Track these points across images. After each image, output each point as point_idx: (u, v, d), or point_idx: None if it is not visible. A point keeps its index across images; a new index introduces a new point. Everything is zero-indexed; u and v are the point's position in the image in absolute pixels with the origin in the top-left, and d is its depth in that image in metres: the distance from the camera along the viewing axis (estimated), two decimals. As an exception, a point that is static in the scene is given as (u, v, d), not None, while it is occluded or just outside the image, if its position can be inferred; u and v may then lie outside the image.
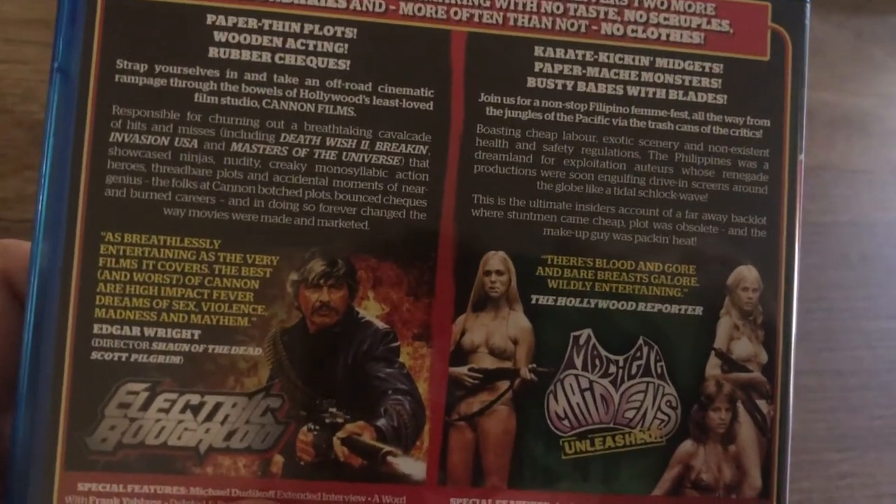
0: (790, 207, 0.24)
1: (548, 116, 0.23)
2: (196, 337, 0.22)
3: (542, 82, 0.23)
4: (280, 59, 0.23)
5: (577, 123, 0.23)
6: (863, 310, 0.35)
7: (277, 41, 0.23)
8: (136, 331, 0.22)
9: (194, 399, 0.22)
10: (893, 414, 0.34)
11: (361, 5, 0.23)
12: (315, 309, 0.22)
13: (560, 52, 0.24)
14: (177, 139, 0.22)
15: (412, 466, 0.22)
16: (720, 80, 0.24)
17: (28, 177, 0.35)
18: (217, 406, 0.22)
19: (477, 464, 0.23)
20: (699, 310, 0.23)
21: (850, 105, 0.36)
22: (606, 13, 0.24)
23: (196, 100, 0.22)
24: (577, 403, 0.23)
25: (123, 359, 0.22)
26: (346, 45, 0.23)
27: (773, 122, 0.24)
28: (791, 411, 0.24)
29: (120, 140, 0.22)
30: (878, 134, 0.36)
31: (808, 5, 0.25)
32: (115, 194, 0.22)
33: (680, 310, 0.23)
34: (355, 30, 0.23)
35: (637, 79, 0.24)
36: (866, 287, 0.35)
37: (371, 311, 0.23)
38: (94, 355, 0.22)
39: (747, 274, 0.24)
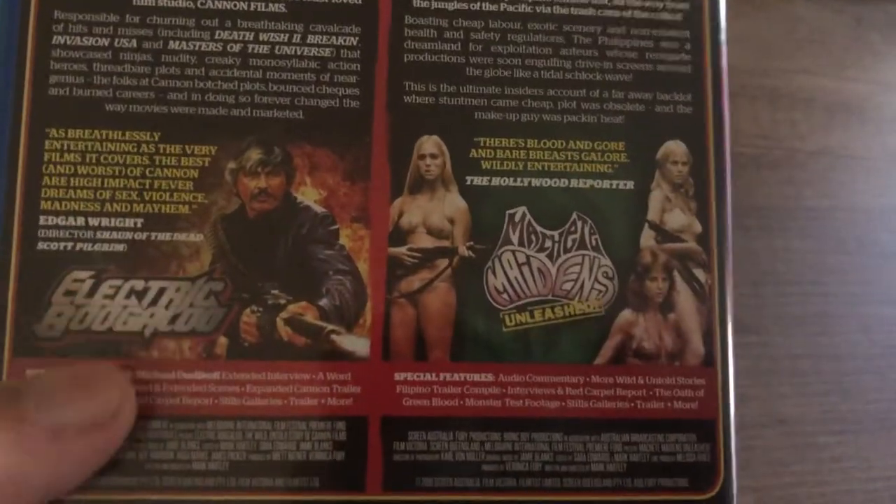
0: (715, 84, 0.25)
1: (474, 6, 0.24)
2: (139, 225, 0.23)
3: (466, -25, 0.24)
4: (213, -38, 0.24)
5: (503, 12, 0.24)
6: (859, 295, 0.35)
7: (210, -54, 0.24)
8: (80, 221, 0.22)
9: (138, 285, 0.22)
10: (888, 398, 0.34)
11: (289, -90, 0.24)
12: (254, 195, 0.23)
13: (482, -53, 0.25)
14: (116, 40, 0.23)
15: (356, 343, 0.23)
16: (639, -31, 0.25)
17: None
18: (161, 291, 0.22)
19: (419, 339, 0.23)
20: (630, 184, 0.24)
21: (848, 91, 0.36)
22: None
23: (134, 2, 0.23)
24: (515, 277, 0.24)
25: (69, 248, 0.22)
26: (276, -52, 0.24)
27: (692, 6, 0.25)
28: (730, 280, 0.24)
29: (62, 42, 0.23)
30: (876, 120, 0.36)
31: None
32: (59, 93, 0.23)
33: (611, 185, 0.24)
34: (284, -66, 0.24)
35: (558, -31, 0.25)
36: (862, 272, 0.35)
37: (309, 196, 0.23)
38: (41, 245, 0.22)
39: (675, 148, 0.24)
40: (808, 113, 0.37)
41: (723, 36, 0.25)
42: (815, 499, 0.33)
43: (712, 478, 0.23)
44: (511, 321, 0.23)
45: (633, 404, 0.23)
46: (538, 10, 0.24)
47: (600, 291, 0.24)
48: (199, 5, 0.24)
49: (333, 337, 0.23)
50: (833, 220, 0.36)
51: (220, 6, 0.24)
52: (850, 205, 0.36)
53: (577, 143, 0.24)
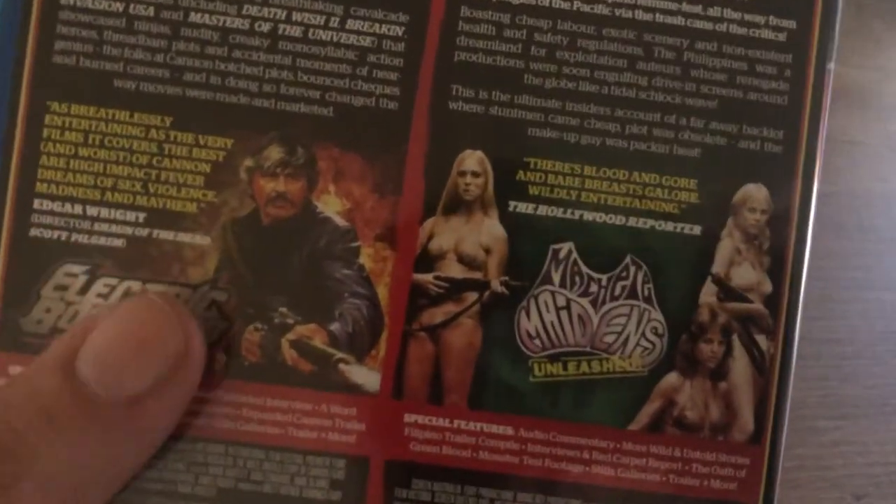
0: (812, 121, 0.21)
1: (542, 1, 0.21)
2: (141, 220, 0.20)
3: (538, -36, 0.21)
4: (248, -77, 0.21)
5: (575, 12, 0.21)
6: (858, 280, 0.35)
7: None
8: (77, 209, 0.20)
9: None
10: (887, 383, 0.34)
11: None
12: (270, 199, 0.21)
13: (561, -69, 0.21)
14: (132, 5, 0.20)
15: (366, 376, 0.21)
16: (743, -27, 0.21)
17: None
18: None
19: (436, 379, 0.21)
20: (697, 229, 0.21)
21: (850, 78, 0.35)
22: None
23: (154, -37, 0.20)
24: (552, 322, 0.21)
25: (63, 238, 0.20)
26: (322, -88, 0.21)
27: (800, 24, 0.21)
28: (795, 350, 0.21)
29: (71, 3, 0.20)
30: (877, 107, 0.36)
31: None
32: (64, 62, 0.20)
33: (676, 228, 0.21)
34: None
35: (647, -34, 0.21)
36: (862, 257, 0.35)
37: (331, 206, 0.21)
38: (33, 231, 0.20)
39: (756, 193, 0.21)
40: None
41: (831, 65, 0.21)
42: (817, 482, 0.33)
43: (743, 569, 0.21)
44: (540, 371, 0.21)
45: (665, 478, 0.21)
46: (617, 14, 0.21)
47: (646, 349, 0.21)
48: (228, -27, 0.20)
49: (342, 366, 0.20)
50: (834, 205, 0.35)
51: (251, -24, 0.20)
52: (851, 190, 0.35)
53: (643, 175, 0.21)
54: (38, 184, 0.20)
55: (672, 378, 0.21)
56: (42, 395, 0.17)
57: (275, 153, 0.21)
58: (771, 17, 0.21)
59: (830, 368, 0.34)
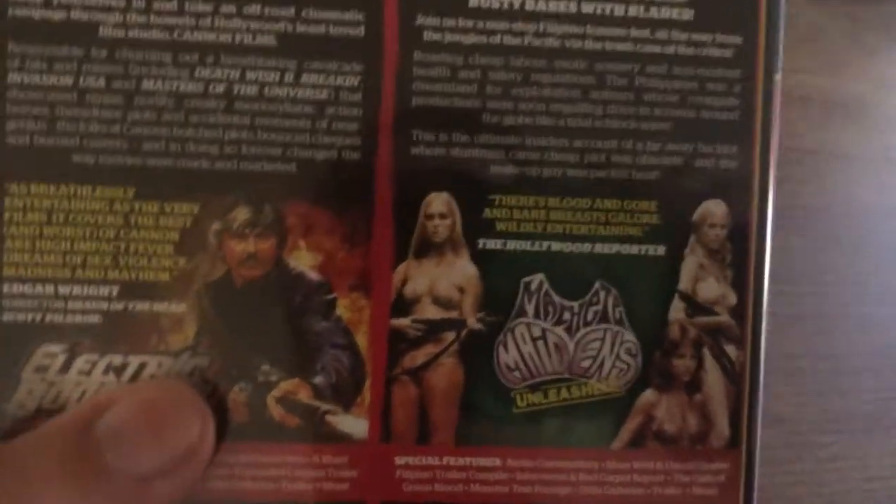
0: (764, 134, 0.22)
1: (493, 40, 0.21)
2: (114, 294, 0.20)
3: (485, 1, 0.21)
4: (191, -16, 0.20)
5: (527, 47, 0.21)
6: (855, 294, 0.35)
7: (187, -36, 0.20)
8: (49, 289, 0.20)
9: (116, 360, 0.20)
10: (884, 398, 0.35)
11: (280, -80, 0.21)
12: (241, 261, 0.21)
13: (505, -33, 0.21)
14: (82, 78, 0.20)
15: (353, 425, 0.21)
16: (687, -6, 0.22)
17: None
18: (142, 366, 0.21)
19: (422, 420, 0.21)
20: (662, 249, 0.22)
21: (845, 90, 0.35)
22: (557, -80, 0.21)
23: (101, 34, 0.20)
24: (529, 353, 0.21)
25: (38, 319, 0.20)
26: (265, -33, 0.20)
27: (746, 40, 0.22)
28: (762, 356, 0.22)
29: (19, 81, 0.20)
30: (872, 119, 0.36)
31: None
32: (19, 141, 0.20)
33: (640, 250, 0.22)
34: (275, -51, 0.21)
35: (593, -6, 0.21)
36: (859, 271, 0.35)
37: (303, 261, 0.21)
38: (6, 317, 0.20)
39: (715, 209, 0.22)
40: (804, 112, 0.35)
41: (778, 76, 0.22)
42: (814, 498, 0.34)
43: (730, 569, 0.22)
44: (523, 401, 0.21)
45: (648, 490, 0.22)
46: (567, 45, 0.21)
47: (622, 370, 0.22)
48: (176, 37, 0.20)
49: (329, 418, 0.21)
50: (829, 218, 0.35)
51: (200, 39, 0.20)
52: (847, 203, 0.35)
53: (605, 202, 0.21)
54: (5, 268, 0.20)
55: (649, 395, 0.22)
56: (56, 452, 0.18)
57: (242, 214, 0.21)
58: (717, 35, 0.22)
59: (827, 383, 0.34)
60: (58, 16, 0.20)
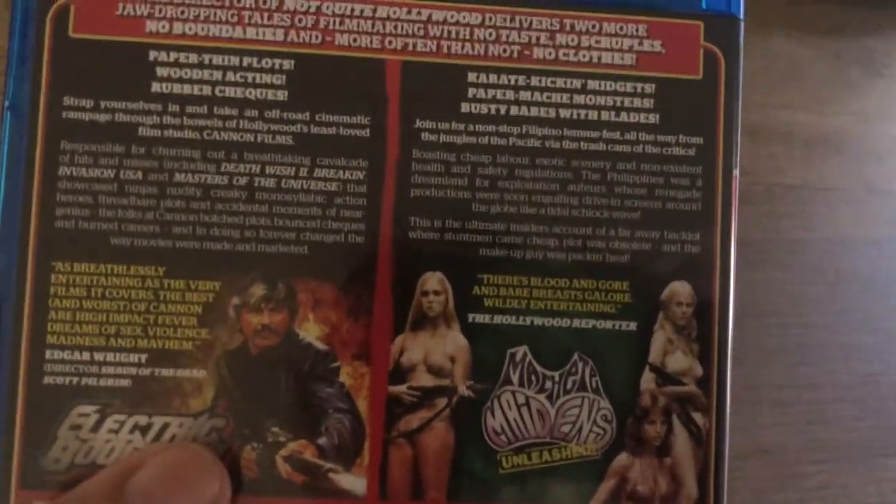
0: (724, 222, 0.25)
1: (482, 140, 0.24)
2: (143, 361, 0.23)
3: (475, 107, 0.24)
4: (220, 91, 0.24)
5: (511, 146, 0.24)
6: (837, 324, 0.35)
7: (217, 74, 0.24)
8: (86, 356, 0.23)
9: (142, 420, 0.23)
10: (868, 426, 0.35)
11: (298, 37, 0.24)
12: (257, 331, 0.23)
13: (493, 78, 0.24)
14: (122, 171, 0.23)
15: (353, 482, 0.23)
16: (652, 100, 0.25)
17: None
18: (164, 427, 0.23)
19: (416, 479, 0.23)
20: (633, 325, 0.24)
21: (827, 125, 0.37)
22: (538, 38, 0.24)
23: (140, 133, 0.23)
24: (514, 419, 0.24)
25: (74, 382, 0.23)
26: (284, 77, 0.24)
27: (706, 140, 0.25)
28: (727, 423, 0.24)
29: (68, 174, 0.23)
30: (854, 152, 0.37)
31: (742, 23, 0.25)
32: (65, 225, 0.23)
33: (614, 325, 0.24)
34: (293, 61, 0.24)
35: (569, 101, 0.24)
36: (841, 302, 0.36)
37: (311, 332, 0.23)
38: (47, 380, 0.23)
39: (680, 289, 0.24)
40: (787, 147, 0.37)
41: (736, 171, 0.25)
42: None
43: None
44: (508, 463, 0.24)
45: (624, 548, 0.24)
46: (547, 145, 0.24)
47: (598, 434, 0.24)
48: (205, 136, 0.23)
49: (332, 476, 0.23)
50: (812, 251, 0.36)
51: (226, 137, 0.23)
52: (829, 236, 0.36)
53: (582, 282, 0.24)
54: (48, 336, 0.23)
55: (623, 458, 0.24)
56: None
57: (258, 290, 0.23)
58: (680, 136, 0.25)
59: (811, 413, 0.35)
60: (103, 118, 0.23)
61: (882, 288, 0.37)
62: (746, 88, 0.36)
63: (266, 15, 0.24)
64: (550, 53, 0.24)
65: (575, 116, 0.24)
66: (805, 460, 0.34)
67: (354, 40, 0.24)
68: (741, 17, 0.25)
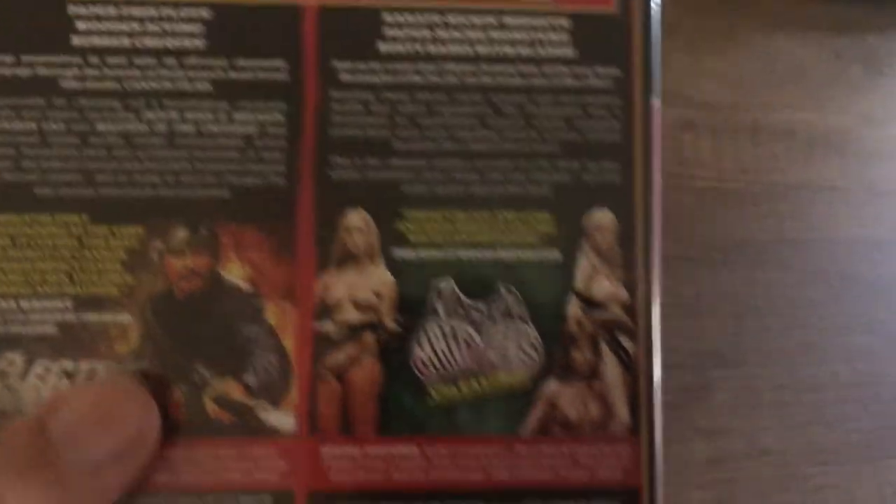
0: (645, 151, 0.25)
1: (400, 79, 0.24)
2: (69, 307, 0.23)
3: (392, 47, 0.25)
4: (139, 42, 0.24)
5: (430, 84, 0.25)
6: (839, 326, 0.35)
7: (136, 26, 0.24)
8: (11, 304, 0.23)
9: (69, 365, 0.23)
10: (869, 428, 0.35)
11: (215, -13, 0.24)
12: (181, 275, 0.23)
13: (409, 18, 0.25)
14: (44, 123, 0.24)
15: (282, 420, 0.23)
16: (568, 34, 0.25)
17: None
18: (91, 372, 0.23)
19: (346, 414, 0.23)
20: (557, 254, 0.24)
21: (829, 124, 0.37)
22: (451, -22, 0.25)
23: (61, 85, 0.24)
24: (442, 350, 0.24)
25: (1, 331, 0.23)
26: (202, 26, 0.24)
27: (623, 71, 0.25)
28: (657, 347, 0.24)
29: (-10, 127, 0.23)
30: (857, 153, 0.37)
31: (653, -44, 0.26)
32: None
33: (538, 255, 0.24)
34: (211, 11, 0.24)
35: (486, 38, 0.25)
36: (843, 303, 0.36)
37: (235, 273, 0.24)
38: (-27, 329, 0.23)
39: (603, 217, 0.24)
40: (788, 147, 0.37)
41: (656, 101, 0.25)
42: None
43: (636, 546, 0.23)
44: (437, 395, 0.24)
45: (557, 474, 0.24)
46: (465, 81, 0.25)
47: (526, 362, 0.24)
48: (125, 86, 0.24)
49: (260, 414, 0.23)
50: (814, 252, 0.36)
51: (146, 87, 0.24)
52: (831, 237, 0.36)
53: (505, 213, 0.24)
54: (-26, 286, 0.23)
55: (552, 385, 0.24)
56: (15, 452, 0.20)
57: (181, 234, 0.24)
58: (597, 68, 0.25)
59: (813, 415, 0.35)
60: (25, 73, 0.24)
61: (884, 290, 0.37)
62: (745, 85, 0.37)
63: (181, -34, 0.24)
64: (464, -8, 0.25)
65: (492, 52, 0.25)
66: (806, 462, 0.35)
67: (270, -13, 0.24)
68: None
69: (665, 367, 0.33)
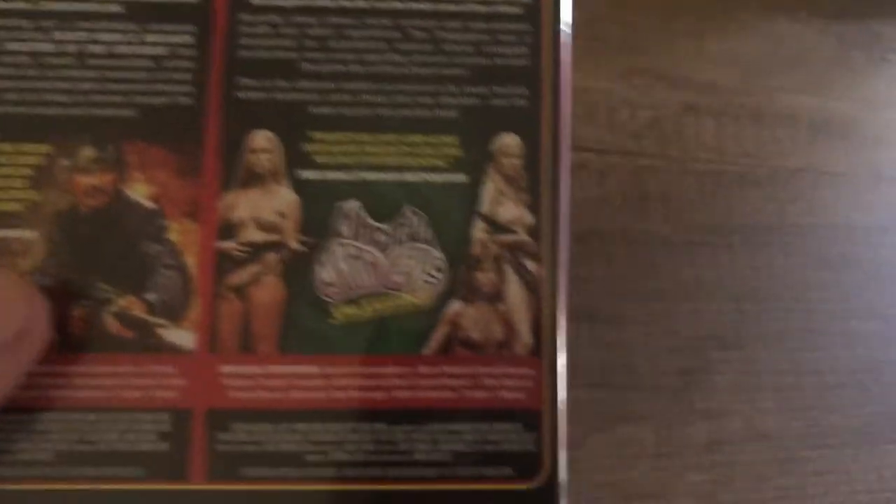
0: (554, 77, 0.25)
1: (309, 2, 0.25)
2: (-28, 222, 0.23)
3: (303, -26, 0.25)
4: (51, -35, 0.24)
5: (339, 8, 0.25)
6: (841, 310, 0.35)
7: (48, -51, 0.24)
8: (-85, 218, 0.23)
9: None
10: (869, 412, 0.35)
11: (127, -87, 0.25)
12: (86, 192, 0.24)
13: (320, -55, 0.25)
14: (-47, 42, 0.24)
15: (182, 337, 0.23)
16: (478, -37, 0.25)
17: None
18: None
19: (247, 333, 0.23)
20: (463, 177, 0.24)
21: (832, 109, 0.37)
22: None
23: (-28, 6, 0.24)
24: (346, 270, 0.24)
25: None
26: (114, -50, 0.24)
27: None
28: (563, 271, 0.24)
29: None
30: (859, 137, 0.37)
31: None
32: None
33: (444, 178, 0.24)
34: (123, -65, 0.25)
35: (396, -35, 0.25)
36: (844, 288, 0.36)
37: (139, 191, 0.24)
38: None
39: (510, 141, 0.24)
40: (791, 131, 0.37)
41: (565, 29, 0.25)
42: None
43: (537, 467, 0.23)
44: (340, 314, 0.24)
45: (459, 394, 0.23)
46: (374, 6, 0.25)
47: (431, 283, 0.24)
48: (36, 7, 0.24)
49: (160, 330, 0.23)
50: (815, 236, 0.36)
51: (57, 8, 0.24)
52: (833, 221, 0.36)
53: (411, 136, 0.24)
54: None
55: (456, 306, 0.24)
56: None
57: (88, 152, 0.24)
58: None
59: (813, 399, 0.35)
60: (-62, -7, 0.24)
61: (887, 275, 0.36)
62: (748, 70, 0.37)
63: None
64: (375, -80, 0.25)
65: (401, -21, 0.25)
66: (806, 446, 0.34)
67: (182, -87, 0.25)
68: None
69: (665, 349, 0.33)
